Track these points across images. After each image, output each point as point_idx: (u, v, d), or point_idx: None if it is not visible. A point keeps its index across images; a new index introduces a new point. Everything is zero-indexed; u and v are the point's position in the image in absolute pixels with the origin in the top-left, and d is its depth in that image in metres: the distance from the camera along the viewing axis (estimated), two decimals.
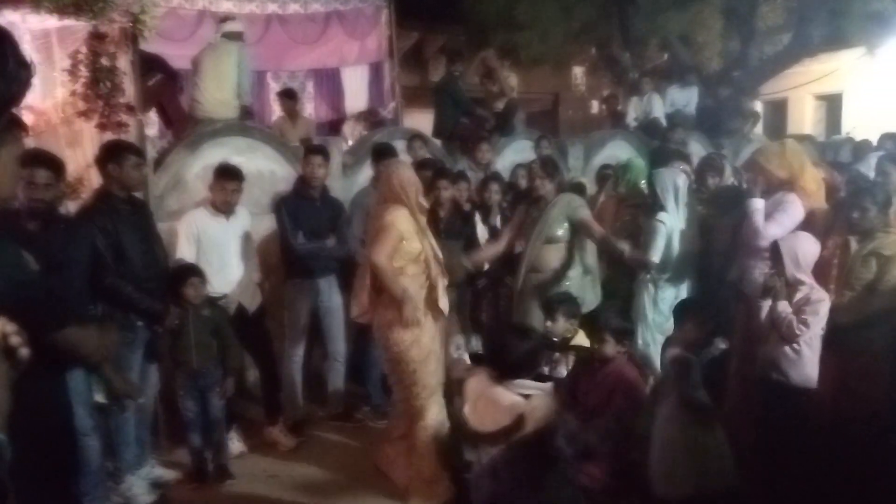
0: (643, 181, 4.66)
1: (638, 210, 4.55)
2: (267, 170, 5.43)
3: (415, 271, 3.65)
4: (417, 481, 3.70)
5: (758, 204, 3.91)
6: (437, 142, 6.84)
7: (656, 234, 4.14)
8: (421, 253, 3.65)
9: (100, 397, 3.83)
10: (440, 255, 3.81)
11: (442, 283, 3.78)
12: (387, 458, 3.95)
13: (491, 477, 2.70)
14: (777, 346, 3.46)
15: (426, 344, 3.67)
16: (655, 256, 4.10)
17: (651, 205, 4.29)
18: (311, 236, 4.59)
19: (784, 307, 3.41)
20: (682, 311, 3.41)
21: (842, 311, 3.35)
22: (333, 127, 8.36)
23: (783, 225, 3.75)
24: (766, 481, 3.51)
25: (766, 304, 3.49)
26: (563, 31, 9.31)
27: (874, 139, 6.97)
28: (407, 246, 3.60)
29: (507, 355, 2.82)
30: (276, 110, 8.20)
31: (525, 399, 2.69)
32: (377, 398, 4.84)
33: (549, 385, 2.88)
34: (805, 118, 12.96)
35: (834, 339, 3.37)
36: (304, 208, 4.63)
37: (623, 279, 4.47)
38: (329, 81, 8.51)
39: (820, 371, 3.39)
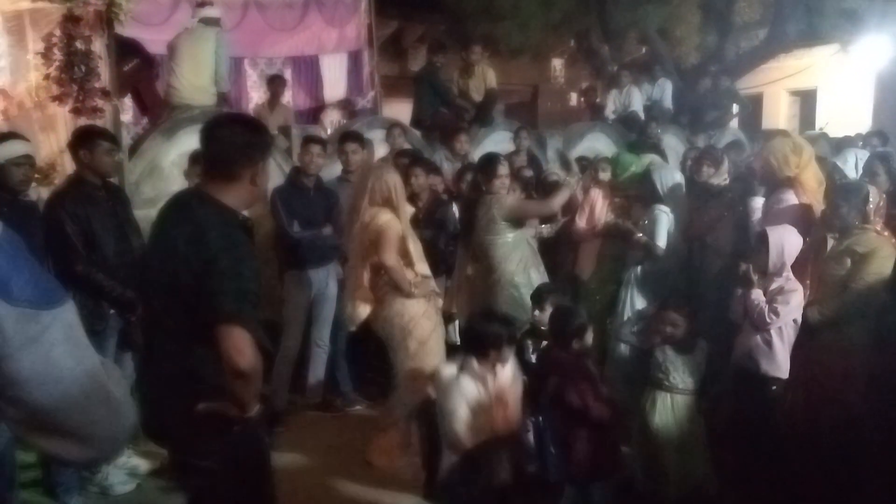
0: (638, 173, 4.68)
1: (630, 202, 4.58)
2: None
3: (403, 261, 3.88)
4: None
5: (757, 203, 3.95)
6: (416, 132, 6.82)
7: (660, 222, 4.21)
8: (407, 250, 3.86)
9: None
10: (420, 248, 3.99)
11: (423, 272, 3.96)
12: (380, 450, 3.97)
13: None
14: (749, 335, 3.53)
15: (433, 316, 3.94)
16: (662, 242, 4.18)
17: (649, 197, 4.35)
18: (307, 225, 4.56)
19: (757, 295, 3.46)
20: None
21: (816, 307, 3.39)
22: (311, 115, 8.30)
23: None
24: (739, 474, 3.59)
25: (740, 293, 3.57)
26: (542, 23, 9.34)
27: (846, 135, 7.09)
28: (399, 244, 3.84)
29: (470, 335, 3.12)
30: (253, 97, 8.12)
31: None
32: (345, 386, 4.89)
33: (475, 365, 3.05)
34: (780, 113, 13.15)
35: (808, 336, 3.41)
36: (297, 198, 4.61)
37: (610, 278, 4.53)
38: (307, 69, 8.43)
39: (795, 368, 3.44)
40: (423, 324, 3.86)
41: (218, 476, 2.23)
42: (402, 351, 3.87)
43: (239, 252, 2.16)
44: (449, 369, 3.08)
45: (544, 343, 3.73)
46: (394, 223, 3.81)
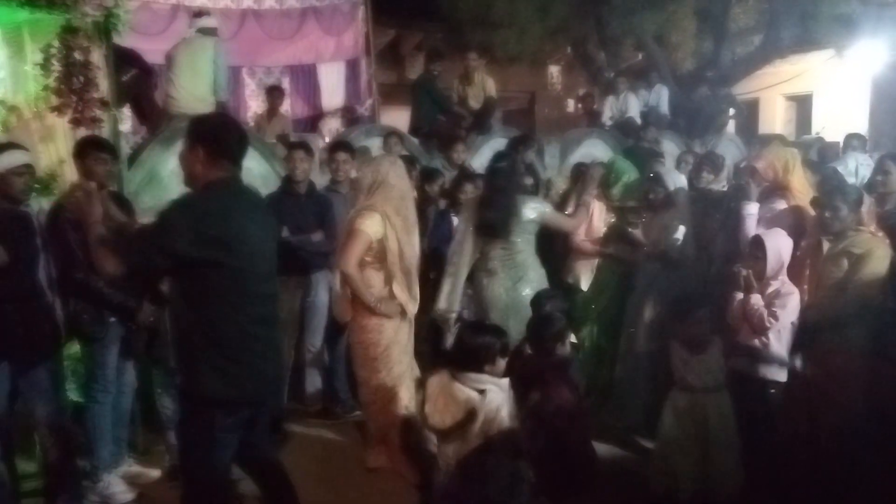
0: (635, 181, 4.65)
1: (628, 212, 4.53)
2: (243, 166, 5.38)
3: (378, 266, 3.78)
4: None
5: (752, 209, 3.95)
6: (414, 140, 6.84)
7: (674, 230, 4.19)
8: (389, 253, 3.74)
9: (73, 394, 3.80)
10: (416, 250, 3.89)
11: (411, 278, 3.85)
12: (378, 453, 3.97)
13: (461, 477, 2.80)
14: (747, 338, 3.55)
15: (388, 331, 3.79)
16: (678, 249, 4.17)
17: (660, 203, 4.31)
18: (297, 232, 4.56)
19: (757, 300, 3.48)
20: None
21: (814, 310, 3.41)
22: (310, 123, 8.33)
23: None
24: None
25: (739, 297, 3.58)
26: (539, 30, 9.40)
27: (842, 139, 7.11)
28: (377, 247, 3.72)
29: (462, 349, 2.95)
30: (251, 106, 8.15)
31: (479, 394, 2.80)
32: (343, 394, 4.88)
33: (504, 381, 2.91)
34: (776, 118, 13.18)
35: (807, 339, 3.42)
36: (288, 204, 4.62)
37: (608, 285, 4.52)
38: (305, 78, 8.48)
39: (794, 371, 3.45)
40: (372, 338, 3.77)
41: None
42: (356, 362, 3.90)
43: None
44: (469, 391, 2.85)
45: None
46: (372, 228, 3.65)
